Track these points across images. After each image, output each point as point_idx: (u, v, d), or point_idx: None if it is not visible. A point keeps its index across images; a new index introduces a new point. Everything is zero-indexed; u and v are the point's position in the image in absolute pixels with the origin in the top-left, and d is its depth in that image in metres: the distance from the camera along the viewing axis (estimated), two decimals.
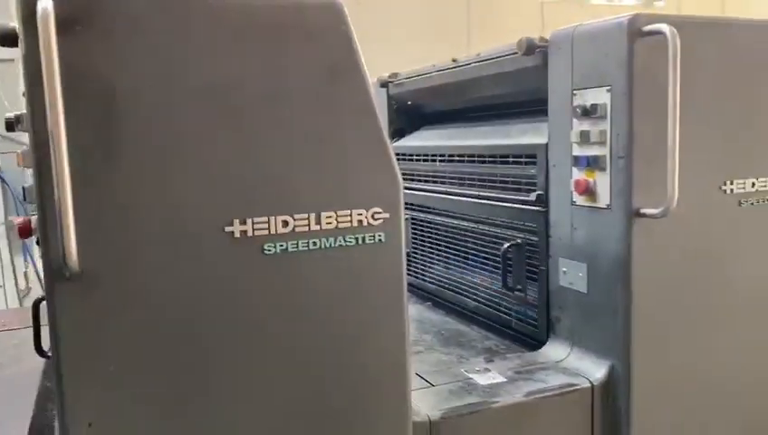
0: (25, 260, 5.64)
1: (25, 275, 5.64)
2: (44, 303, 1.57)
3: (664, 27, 1.73)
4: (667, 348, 1.95)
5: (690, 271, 1.96)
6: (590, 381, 1.94)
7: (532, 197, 2.21)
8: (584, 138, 1.95)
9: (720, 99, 1.95)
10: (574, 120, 1.99)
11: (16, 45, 1.33)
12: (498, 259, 2.36)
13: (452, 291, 2.81)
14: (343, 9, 1.46)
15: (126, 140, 1.31)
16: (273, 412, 1.49)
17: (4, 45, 1.33)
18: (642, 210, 1.84)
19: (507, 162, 2.37)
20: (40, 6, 1.16)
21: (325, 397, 1.53)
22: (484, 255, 2.56)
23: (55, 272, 1.27)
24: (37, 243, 1.51)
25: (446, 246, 2.84)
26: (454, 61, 2.68)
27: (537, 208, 2.21)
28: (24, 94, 1.28)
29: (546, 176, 2.16)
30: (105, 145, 1.29)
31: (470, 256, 2.67)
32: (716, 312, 2.01)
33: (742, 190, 1.99)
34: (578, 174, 2.00)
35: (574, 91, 1.99)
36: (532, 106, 2.30)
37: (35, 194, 1.28)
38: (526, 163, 2.27)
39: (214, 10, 1.37)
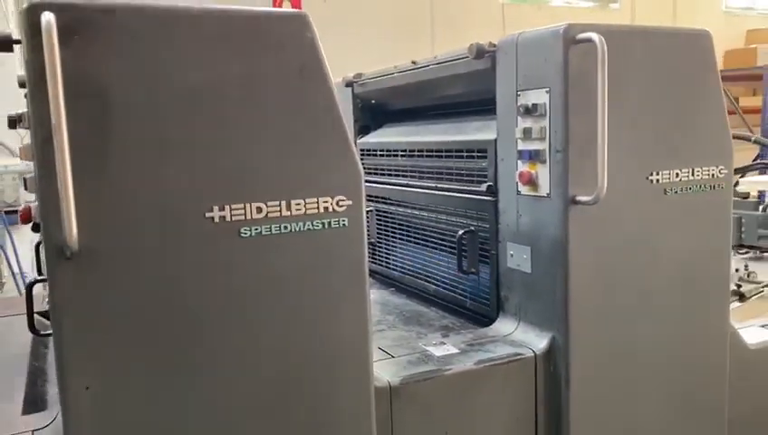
0: None
1: None
2: (38, 284, 1.76)
3: (593, 36, 1.97)
4: (600, 322, 2.19)
5: (621, 252, 2.20)
6: (534, 351, 2.17)
7: (484, 188, 2.43)
8: (527, 134, 2.18)
9: (647, 100, 2.20)
10: (518, 118, 2.22)
11: (11, 50, 1.51)
12: (454, 245, 2.58)
13: (413, 276, 3.02)
14: (308, 19, 1.66)
15: (118, 135, 1.49)
16: (249, 378, 1.69)
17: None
18: (577, 198, 2.07)
19: (462, 156, 2.60)
20: (44, 18, 1.34)
21: (296, 365, 1.73)
22: (441, 242, 2.78)
23: (56, 252, 1.44)
24: (34, 229, 1.68)
25: (408, 235, 3.05)
26: (413, 63, 2.89)
27: (488, 198, 2.43)
28: (25, 95, 1.45)
29: (495, 169, 2.38)
30: (99, 139, 1.47)
31: (429, 244, 2.89)
32: (645, 290, 2.25)
33: (667, 180, 2.24)
34: (522, 166, 2.23)
35: (518, 92, 2.21)
36: (483, 105, 2.52)
37: (37, 183, 1.44)
38: (478, 157, 2.49)
39: (195, 19, 1.56)
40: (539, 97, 2.12)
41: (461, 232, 2.55)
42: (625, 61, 2.14)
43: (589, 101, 2.00)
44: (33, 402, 1.90)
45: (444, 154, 2.72)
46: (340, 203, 1.73)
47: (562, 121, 2.06)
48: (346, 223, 1.74)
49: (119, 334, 1.54)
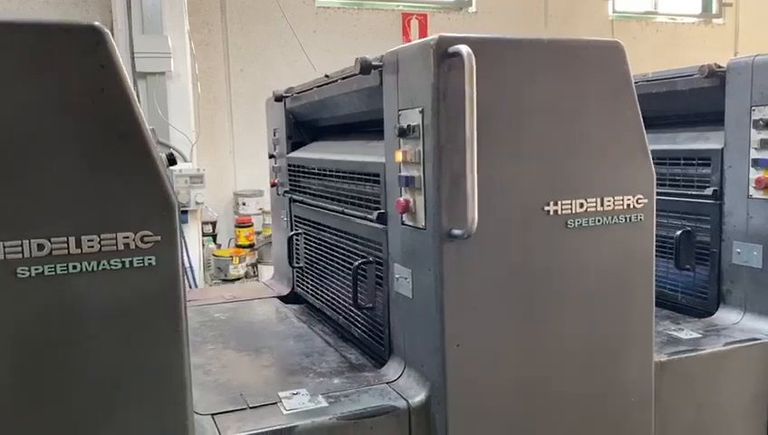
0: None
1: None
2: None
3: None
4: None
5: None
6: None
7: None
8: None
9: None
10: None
11: (369, 73, 2.08)
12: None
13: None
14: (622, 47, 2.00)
15: (490, 142, 1.82)
16: (573, 334, 2.06)
17: (362, 73, 2.08)
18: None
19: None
20: (464, 50, 1.72)
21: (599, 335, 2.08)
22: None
23: (445, 234, 1.82)
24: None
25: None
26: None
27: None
28: (421, 111, 1.83)
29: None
30: (482, 146, 1.76)
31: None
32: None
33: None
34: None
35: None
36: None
37: (433, 182, 1.82)
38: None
39: (541, 45, 1.93)
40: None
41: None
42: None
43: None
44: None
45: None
46: (639, 201, 2.06)
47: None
48: (642, 218, 2.07)
49: (482, 301, 1.88)
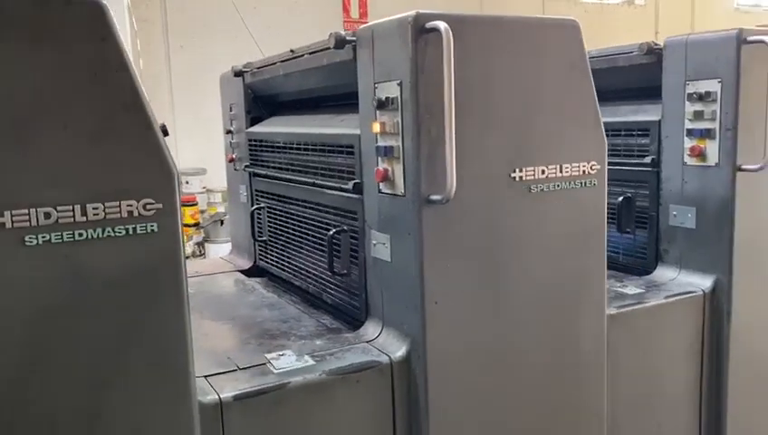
0: None
1: None
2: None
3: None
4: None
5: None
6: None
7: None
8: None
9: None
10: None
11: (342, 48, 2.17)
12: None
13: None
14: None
15: (464, 113, 1.91)
16: (529, 289, 2.24)
17: (336, 48, 2.17)
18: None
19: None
20: (442, 26, 1.82)
21: (553, 285, 2.28)
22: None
23: (424, 200, 1.95)
24: None
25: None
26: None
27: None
28: (399, 84, 1.94)
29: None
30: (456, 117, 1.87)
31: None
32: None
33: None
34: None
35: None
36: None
37: (413, 151, 1.93)
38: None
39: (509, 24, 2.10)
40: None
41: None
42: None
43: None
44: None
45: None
46: (593, 167, 2.25)
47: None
48: (596, 183, 2.27)
49: (457, 259, 2.03)
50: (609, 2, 11.76)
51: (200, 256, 6.56)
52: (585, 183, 2.26)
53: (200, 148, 6.84)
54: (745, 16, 13.75)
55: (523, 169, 2.13)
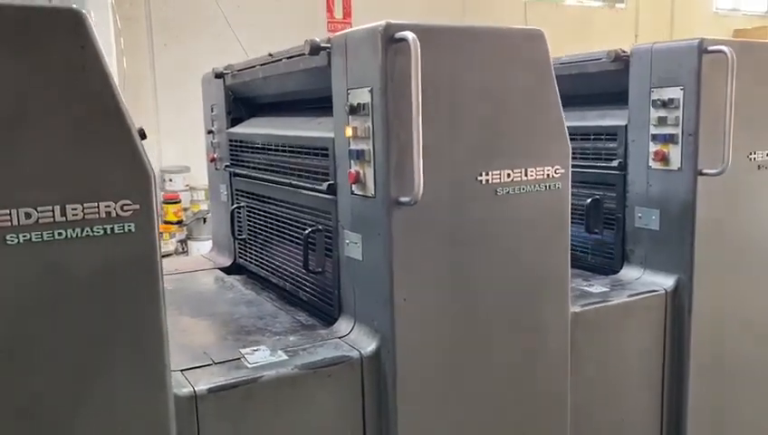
0: None
1: None
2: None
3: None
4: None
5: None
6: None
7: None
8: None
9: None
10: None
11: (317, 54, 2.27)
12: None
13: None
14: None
15: (429, 117, 1.99)
16: (495, 284, 2.37)
17: (311, 54, 2.27)
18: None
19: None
20: (410, 36, 1.91)
21: (520, 281, 2.40)
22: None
23: (390, 203, 2.03)
24: None
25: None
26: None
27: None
28: (370, 90, 2.02)
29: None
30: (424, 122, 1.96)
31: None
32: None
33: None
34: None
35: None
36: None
37: (382, 155, 2.02)
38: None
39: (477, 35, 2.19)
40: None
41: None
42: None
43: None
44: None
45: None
46: (557, 171, 2.37)
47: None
48: (560, 186, 2.38)
49: (426, 258, 2.13)
50: (590, 5, 11.94)
51: (183, 253, 6.61)
52: (549, 186, 2.36)
53: (184, 145, 6.87)
54: (724, 20, 14.03)
55: (490, 173, 2.23)
